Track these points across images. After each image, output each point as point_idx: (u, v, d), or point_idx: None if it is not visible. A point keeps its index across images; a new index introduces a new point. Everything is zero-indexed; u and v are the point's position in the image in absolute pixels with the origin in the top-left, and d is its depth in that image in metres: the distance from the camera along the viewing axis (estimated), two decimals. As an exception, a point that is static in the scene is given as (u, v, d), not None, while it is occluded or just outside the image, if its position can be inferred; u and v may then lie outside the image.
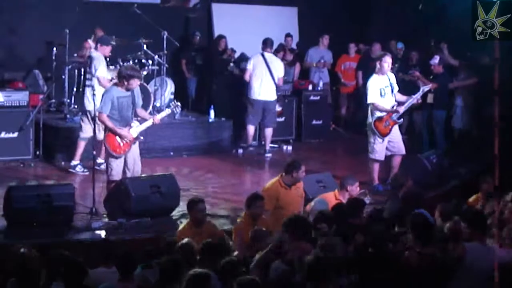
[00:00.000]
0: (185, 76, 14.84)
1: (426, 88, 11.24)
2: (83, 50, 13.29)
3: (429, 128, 12.94)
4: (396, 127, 10.75)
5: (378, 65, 10.69)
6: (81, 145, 11.04)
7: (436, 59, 12.89)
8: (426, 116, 12.92)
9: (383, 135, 10.62)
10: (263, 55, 12.93)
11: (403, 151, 10.80)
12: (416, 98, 10.93)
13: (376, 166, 10.74)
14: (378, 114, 10.62)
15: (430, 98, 12.74)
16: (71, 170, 10.96)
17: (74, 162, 11.01)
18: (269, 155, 12.71)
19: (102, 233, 8.44)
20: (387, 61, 10.68)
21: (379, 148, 10.66)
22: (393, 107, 10.65)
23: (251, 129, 12.93)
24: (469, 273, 6.22)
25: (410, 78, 13.42)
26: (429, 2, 14.91)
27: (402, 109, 10.69)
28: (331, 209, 7.87)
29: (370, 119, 10.72)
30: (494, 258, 5.99)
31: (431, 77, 12.77)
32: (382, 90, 10.63)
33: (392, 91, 10.71)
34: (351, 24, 16.16)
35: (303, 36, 16.44)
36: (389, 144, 10.72)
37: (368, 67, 12.91)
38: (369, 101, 10.66)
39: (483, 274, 6.12)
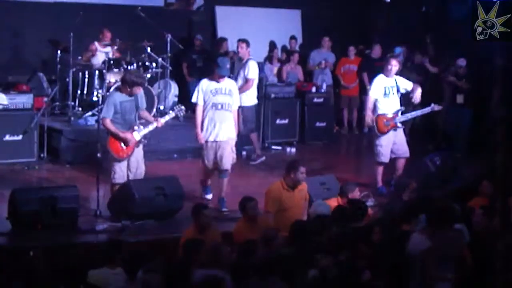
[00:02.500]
0: (186, 79, 14.86)
1: (436, 108, 11.24)
2: (89, 52, 13.37)
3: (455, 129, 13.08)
4: (400, 130, 10.77)
5: (387, 67, 10.72)
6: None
7: (463, 62, 13.00)
8: (455, 116, 13.00)
9: (380, 132, 10.59)
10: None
11: (407, 154, 10.78)
12: (421, 112, 10.99)
13: (380, 169, 10.75)
14: (382, 110, 10.63)
15: (460, 99, 12.85)
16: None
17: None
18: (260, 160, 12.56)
19: (106, 235, 8.47)
20: (392, 64, 10.71)
21: (384, 150, 10.65)
22: (398, 111, 10.69)
23: (256, 136, 12.62)
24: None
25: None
26: (432, 4, 14.96)
27: (403, 118, 10.69)
28: (332, 212, 7.89)
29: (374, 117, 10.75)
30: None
31: (464, 79, 12.88)
32: (387, 89, 10.64)
33: (398, 93, 10.74)
34: (354, 26, 16.19)
35: (307, 39, 16.48)
36: (393, 147, 10.73)
37: (371, 69, 12.97)
38: (370, 94, 10.70)
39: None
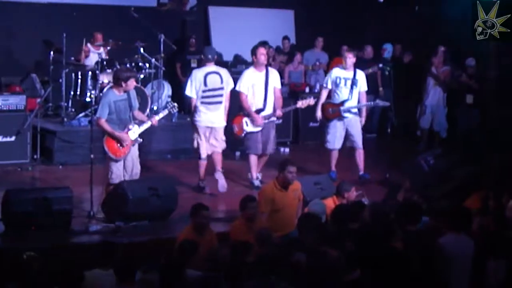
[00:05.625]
0: (180, 79, 14.83)
1: (380, 104, 11.83)
2: (82, 54, 13.36)
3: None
4: (356, 121, 11.10)
5: (344, 59, 11.28)
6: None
7: (472, 62, 13.10)
8: (467, 117, 13.10)
9: (325, 118, 11.26)
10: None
11: (360, 146, 11.19)
12: (364, 106, 11.28)
13: (332, 155, 11.30)
14: (331, 99, 11.22)
15: (469, 99, 12.93)
16: None
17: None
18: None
19: (100, 236, 8.46)
20: (348, 56, 11.19)
21: (330, 138, 11.29)
22: (344, 101, 11.07)
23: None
24: (450, 262, 6.32)
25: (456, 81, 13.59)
26: (425, 4, 14.97)
27: (347, 108, 11.10)
28: (331, 212, 7.89)
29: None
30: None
31: (474, 80, 13.02)
32: (338, 79, 11.14)
33: (351, 87, 11.08)
34: (347, 26, 16.20)
35: (300, 39, 16.48)
36: (349, 138, 11.23)
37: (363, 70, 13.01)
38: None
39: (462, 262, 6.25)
